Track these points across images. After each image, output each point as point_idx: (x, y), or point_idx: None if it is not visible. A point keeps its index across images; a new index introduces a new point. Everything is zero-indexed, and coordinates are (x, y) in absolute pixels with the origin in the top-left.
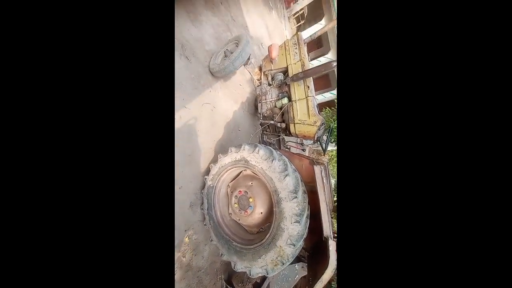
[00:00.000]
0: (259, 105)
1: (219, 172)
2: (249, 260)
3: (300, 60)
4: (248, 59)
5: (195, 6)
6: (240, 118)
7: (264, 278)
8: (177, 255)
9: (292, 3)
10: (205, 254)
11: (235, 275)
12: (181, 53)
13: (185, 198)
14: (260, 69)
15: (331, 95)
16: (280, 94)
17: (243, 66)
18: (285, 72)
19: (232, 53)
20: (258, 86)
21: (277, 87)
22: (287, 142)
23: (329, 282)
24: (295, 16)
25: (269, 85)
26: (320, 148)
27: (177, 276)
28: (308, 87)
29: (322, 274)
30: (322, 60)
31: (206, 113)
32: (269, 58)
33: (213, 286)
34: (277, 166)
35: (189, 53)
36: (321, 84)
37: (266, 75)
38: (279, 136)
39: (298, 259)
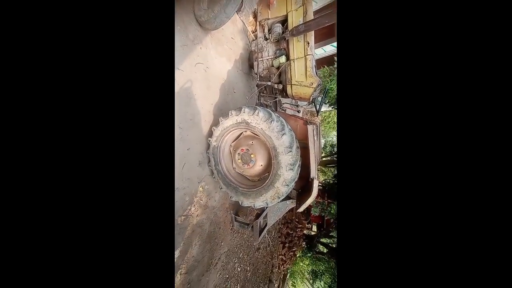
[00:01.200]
0: (255, 63)
1: (221, 133)
2: (253, 198)
3: (303, 4)
4: (241, 2)
5: None
6: (234, 78)
7: (262, 210)
8: (195, 199)
9: None
10: (217, 198)
11: (241, 210)
12: None
13: (194, 158)
14: (255, 17)
15: (332, 48)
16: (278, 52)
17: (235, 13)
18: (284, 22)
19: None
20: (253, 40)
21: (275, 42)
22: (283, 104)
23: (309, 207)
24: None
25: (266, 39)
26: (313, 109)
27: (198, 212)
28: (308, 43)
29: (306, 200)
30: None
31: (200, 74)
32: (266, 2)
33: (225, 218)
34: (275, 126)
35: None
36: (323, 34)
37: (262, 26)
38: (275, 98)
39: (288, 197)
